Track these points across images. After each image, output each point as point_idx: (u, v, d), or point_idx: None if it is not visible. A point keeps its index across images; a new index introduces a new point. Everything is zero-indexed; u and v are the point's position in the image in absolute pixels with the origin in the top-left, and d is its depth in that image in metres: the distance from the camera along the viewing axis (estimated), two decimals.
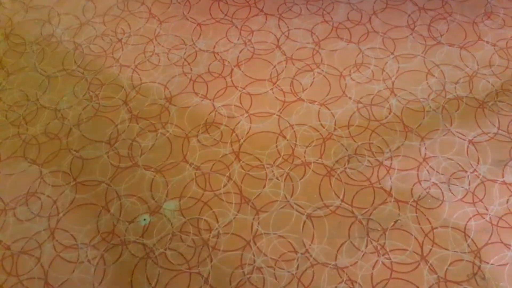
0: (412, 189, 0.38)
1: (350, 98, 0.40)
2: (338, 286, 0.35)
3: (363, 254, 0.36)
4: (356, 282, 0.35)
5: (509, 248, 0.37)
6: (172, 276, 0.35)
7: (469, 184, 0.39)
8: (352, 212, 0.37)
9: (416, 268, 0.35)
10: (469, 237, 0.37)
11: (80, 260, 0.36)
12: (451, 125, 0.38)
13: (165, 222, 0.37)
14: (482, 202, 0.38)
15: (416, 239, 0.36)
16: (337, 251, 0.36)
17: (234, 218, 0.37)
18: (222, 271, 0.35)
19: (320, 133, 0.38)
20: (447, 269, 0.36)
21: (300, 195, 0.38)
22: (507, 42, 0.42)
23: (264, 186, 0.39)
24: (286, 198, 0.38)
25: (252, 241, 0.36)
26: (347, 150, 0.38)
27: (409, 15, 0.44)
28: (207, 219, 0.37)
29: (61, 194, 0.39)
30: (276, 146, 0.38)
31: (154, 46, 0.44)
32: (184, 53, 0.43)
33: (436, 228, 0.37)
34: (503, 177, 0.36)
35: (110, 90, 0.41)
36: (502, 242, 0.37)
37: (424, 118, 0.38)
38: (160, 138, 0.38)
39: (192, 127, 0.39)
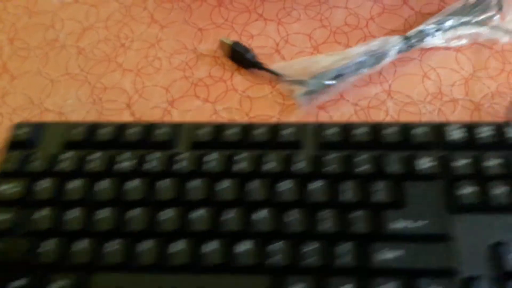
0: None
1: (348, 100, 0.41)
2: None
3: None
4: None
5: None
6: None
7: None
8: None
9: None
10: None
11: None
12: None
13: None
14: None
15: None
16: None
17: None
18: None
19: None
20: None
21: None
22: (502, 46, 0.43)
23: None
24: None
25: None
26: None
27: (406, 19, 0.45)
28: None
29: None
30: None
31: (156, 51, 0.44)
32: (186, 58, 0.44)
33: None
34: None
35: (113, 94, 0.42)
36: None
37: (420, 120, 0.39)
38: None
39: None
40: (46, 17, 0.48)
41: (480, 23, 0.42)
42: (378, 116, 0.39)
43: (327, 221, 0.30)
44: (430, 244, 0.29)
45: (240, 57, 0.42)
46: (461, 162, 0.32)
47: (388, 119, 0.39)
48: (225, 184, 0.31)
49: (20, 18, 0.48)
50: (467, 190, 0.31)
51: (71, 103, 0.41)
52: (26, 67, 0.44)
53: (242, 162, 0.32)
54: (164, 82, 0.42)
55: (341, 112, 0.40)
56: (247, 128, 0.34)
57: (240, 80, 0.42)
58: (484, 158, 0.32)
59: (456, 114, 0.39)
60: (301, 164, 0.32)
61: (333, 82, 0.39)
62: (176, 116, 0.40)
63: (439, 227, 0.30)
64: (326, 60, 0.41)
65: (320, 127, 0.34)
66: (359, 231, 0.29)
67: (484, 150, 0.33)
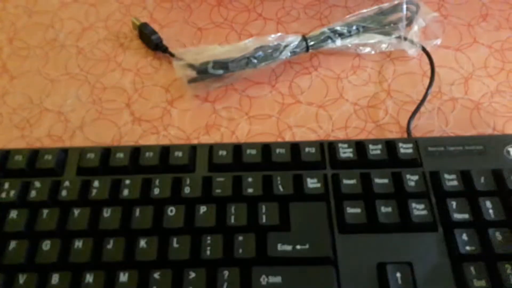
0: None
1: (347, 100, 0.41)
2: None
3: None
4: None
5: None
6: None
7: None
8: None
9: None
10: None
11: None
12: (446, 126, 0.39)
13: None
14: None
15: None
16: None
17: None
18: None
19: (318, 135, 0.39)
20: None
21: None
22: (502, 44, 0.43)
23: None
24: None
25: None
26: None
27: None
28: None
29: None
30: None
31: (155, 50, 0.44)
32: None
33: None
34: None
35: (113, 93, 0.42)
36: None
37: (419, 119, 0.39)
38: (163, 141, 0.39)
39: (193, 129, 0.39)
40: (45, 17, 0.48)
41: (388, 33, 0.42)
42: (377, 115, 0.39)
43: (211, 247, 0.29)
44: (315, 267, 0.29)
45: (147, 39, 0.44)
46: (348, 182, 0.31)
47: (387, 118, 0.39)
48: (109, 212, 0.30)
49: (20, 18, 0.48)
50: (353, 210, 0.30)
51: (71, 103, 0.41)
52: (26, 66, 0.44)
53: (128, 188, 0.31)
54: (163, 82, 0.42)
55: (340, 111, 0.40)
56: (136, 152, 0.33)
57: (240, 79, 0.42)
58: (372, 177, 0.31)
59: (455, 113, 0.39)
60: (188, 189, 0.31)
61: (219, 72, 0.39)
62: (176, 116, 0.40)
63: (324, 250, 0.29)
64: (218, 50, 0.41)
65: (211, 149, 0.33)
66: (243, 256, 0.29)
67: (375, 168, 0.32)
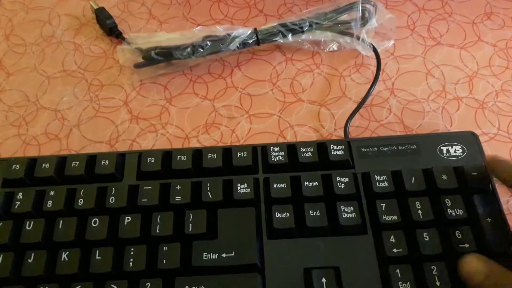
0: None
1: (350, 98, 0.40)
2: None
3: None
4: None
5: None
6: None
7: None
8: None
9: None
10: None
11: None
12: (450, 125, 0.38)
13: None
14: None
15: None
16: None
17: None
18: None
19: (320, 134, 0.38)
20: None
21: None
22: (506, 43, 0.42)
23: None
24: None
25: None
26: None
27: (409, 16, 0.44)
28: None
29: None
30: None
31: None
32: None
33: None
34: None
35: (110, 91, 0.41)
36: None
37: (423, 118, 0.38)
38: (160, 139, 0.38)
39: (192, 128, 0.39)
40: (43, 13, 0.47)
41: (342, 31, 0.41)
42: (381, 114, 0.38)
43: (134, 258, 0.28)
44: (240, 275, 0.28)
45: (103, 23, 0.44)
46: (278, 186, 0.30)
47: (391, 117, 0.38)
48: (31, 225, 0.29)
49: (17, 14, 0.47)
50: (282, 214, 0.29)
51: (68, 100, 0.41)
52: (22, 63, 0.43)
53: (52, 199, 0.30)
54: (162, 79, 0.42)
55: (343, 109, 0.39)
56: (62, 162, 0.32)
57: (240, 77, 0.41)
58: (302, 180, 0.30)
59: (460, 112, 0.38)
60: (113, 199, 0.30)
61: (162, 58, 0.39)
62: (175, 114, 0.39)
63: (249, 257, 0.28)
64: (167, 37, 0.41)
65: (140, 156, 0.32)
66: (167, 267, 0.28)
67: (307, 171, 0.31)
